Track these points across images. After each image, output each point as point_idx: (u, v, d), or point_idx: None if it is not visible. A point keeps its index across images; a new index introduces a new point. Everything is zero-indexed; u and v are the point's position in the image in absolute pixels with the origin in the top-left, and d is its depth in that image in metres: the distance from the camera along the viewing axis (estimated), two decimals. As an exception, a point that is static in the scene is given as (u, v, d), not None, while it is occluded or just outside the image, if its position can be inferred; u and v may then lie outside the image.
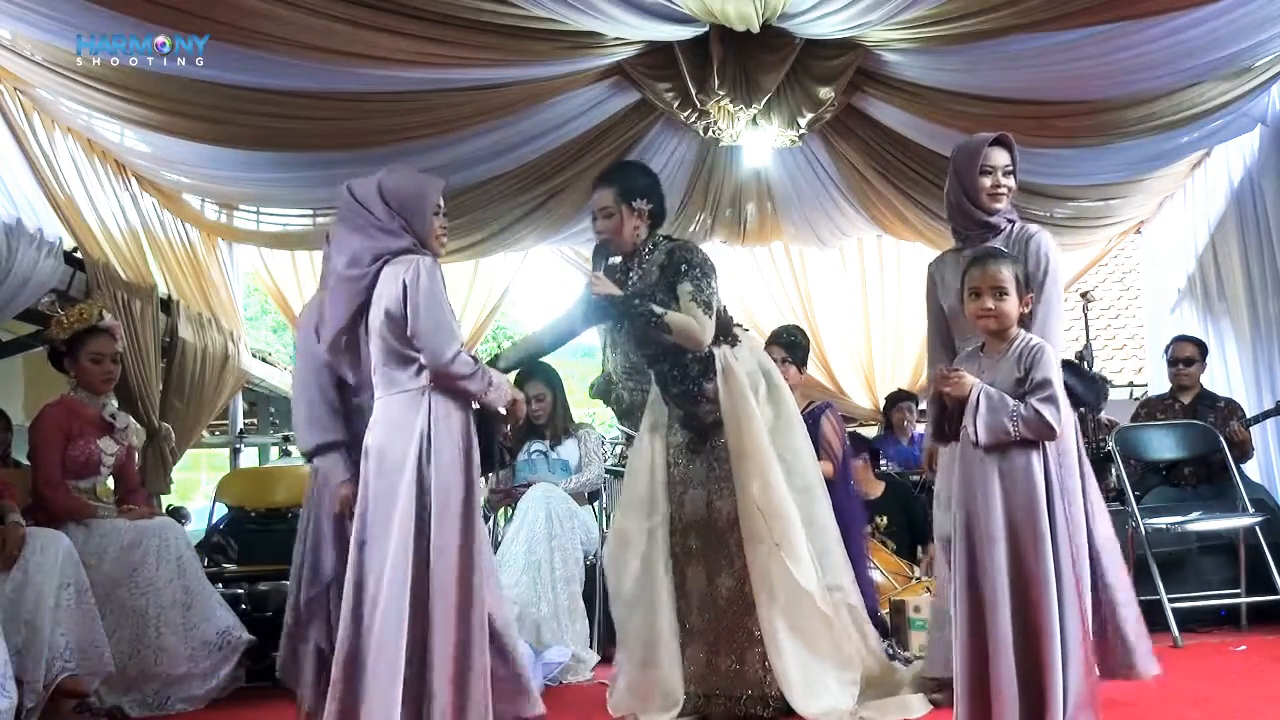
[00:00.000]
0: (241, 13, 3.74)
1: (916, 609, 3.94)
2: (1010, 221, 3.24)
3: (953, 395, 2.69)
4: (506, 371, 3.18)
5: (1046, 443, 2.63)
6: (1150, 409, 5.39)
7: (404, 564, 2.66)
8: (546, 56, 4.50)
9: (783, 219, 6.56)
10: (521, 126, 5.07)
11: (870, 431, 7.10)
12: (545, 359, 4.00)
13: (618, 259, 3.37)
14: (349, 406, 3.13)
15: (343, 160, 5.08)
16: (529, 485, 4.51)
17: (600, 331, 5.14)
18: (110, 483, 4.08)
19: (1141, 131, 5.13)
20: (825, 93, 4.95)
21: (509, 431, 4.40)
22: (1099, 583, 3.08)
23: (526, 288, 12.08)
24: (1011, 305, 2.70)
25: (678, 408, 3.36)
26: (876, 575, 4.40)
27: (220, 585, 4.23)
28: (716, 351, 3.29)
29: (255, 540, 4.94)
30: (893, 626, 4.02)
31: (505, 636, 2.97)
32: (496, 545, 4.33)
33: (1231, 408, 5.18)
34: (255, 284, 7.93)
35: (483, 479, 3.36)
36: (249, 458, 8.59)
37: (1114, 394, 7.63)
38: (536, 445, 4.74)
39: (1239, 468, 4.86)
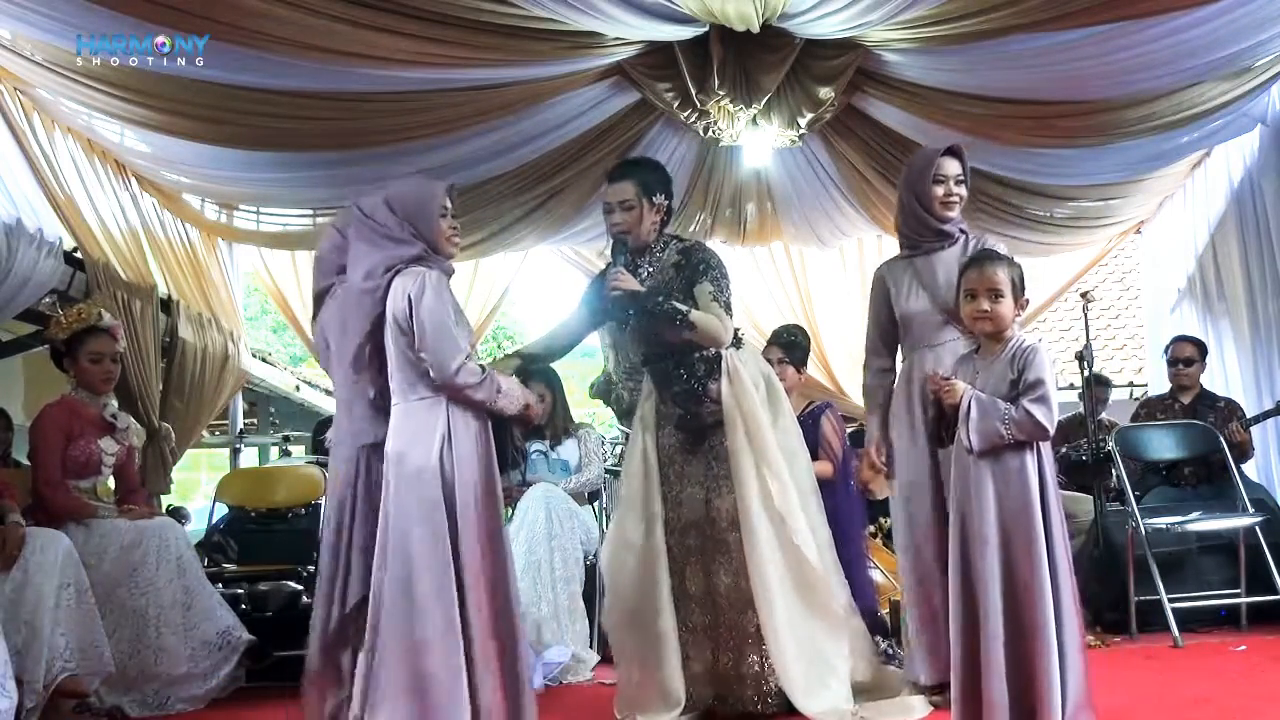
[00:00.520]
0: (241, 13, 3.73)
1: (917, 609, 3.93)
2: (963, 232, 3.31)
3: (947, 403, 2.71)
4: (533, 363, 3.18)
5: (1040, 443, 2.64)
6: (1150, 409, 5.40)
7: (435, 565, 2.69)
8: (546, 56, 4.49)
9: (783, 219, 6.55)
10: (521, 126, 5.07)
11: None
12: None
13: (624, 258, 3.36)
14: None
15: (343, 160, 5.08)
16: (529, 485, 4.52)
17: (601, 331, 5.14)
18: (110, 483, 4.08)
19: (1141, 131, 5.13)
20: (825, 93, 4.94)
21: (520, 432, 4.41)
22: None
23: (526, 288, 12.10)
24: (1007, 308, 2.71)
25: (677, 407, 3.35)
26: (877, 575, 4.40)
27: (220, 585, 4.24)
28: (724, 353, 3.31)
29: (255, 540, 4.95)
30: (893, 627, 4.02)
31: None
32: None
33: (1231, 408, 5.18)
34: (255, 284, 7.92)
35: None
36: (249, 458, 8.60)
37: (1114, 394, 7.63)
38: (536, 445, 4.74)
39: (1239, 468, 4.86)
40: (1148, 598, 4.40)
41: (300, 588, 4.44)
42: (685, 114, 5.07)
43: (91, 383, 3.93)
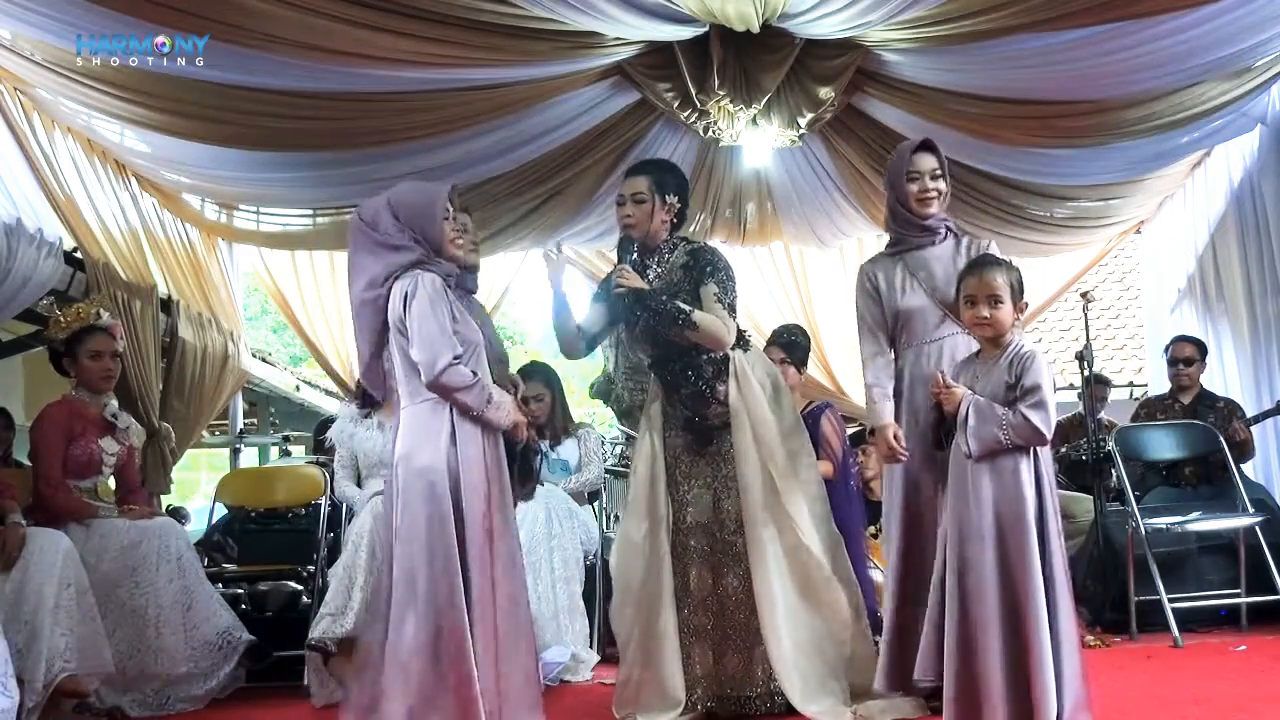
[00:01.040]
0: (241, 13, 3.73)
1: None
2: (950, 230, 3.27)
3: (947, 409, 2.72)
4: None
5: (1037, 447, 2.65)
6: (1150, 409, 5.40)
7: (440, 563, 2.69)
8: (546, 56, 4.49)
9: (783, 219, 6.55)
10: (521, 126, 5.07)
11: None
12: (544, 359, 4.01)
13: (632, 257, 3.36)
14: None
15: (343, 160, 5.09)
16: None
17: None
18: (111, 483, 4.08)
19: (1141, 131, 5.13)
20: (825, 93, 4.94)
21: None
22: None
23: (526, 288, 12.08)
24: (1006, 313, 2.73)
25: (685, 409, 3.35)
26: (877, 575, 4.40)
27: (220, 585, 4.23)
28: (732, 354, 3.31)
29: (255, 540, 4.95)
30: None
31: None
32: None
33: (1231, 408, 5.18)
34: (255, 284, 7.93)
35: None
36: (249, 458, 8.59)
37: (1114, 394, 7.63)
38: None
39: (1239, 467, 4.86)
40: (1148, 598, 4.40)
41: (300, 588, 4.44)
42: (685, 114, 5.07)
43: (91, 381, 3.93)
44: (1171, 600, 4.32)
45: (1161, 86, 4.76)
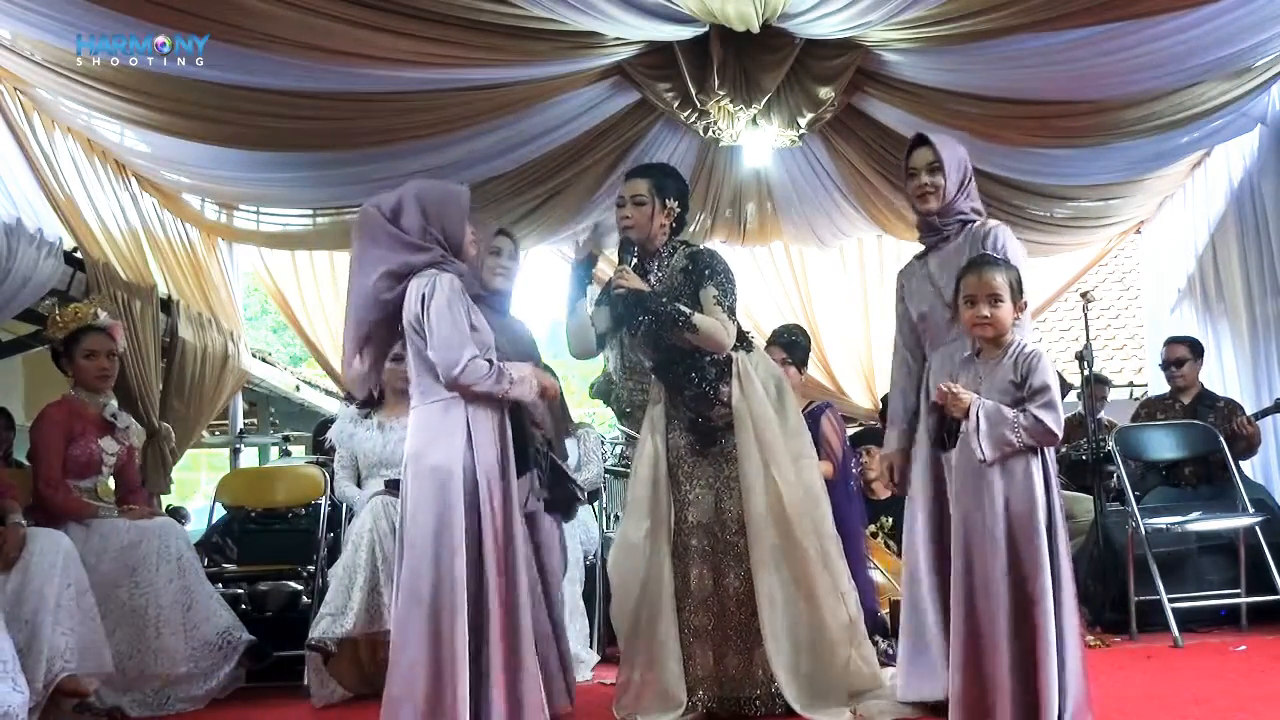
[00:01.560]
0: (241, 13, 3.74)
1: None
2: (963, 223, 3.18)
3: (952, 415, 2.71)
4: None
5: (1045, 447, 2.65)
6: (1150, 409, 5.40)
7: (447, 562, 2.69)
8: (546, 56, 4.49)
9: (783, 219, 6.56)
10: (522, 126, 5.07)
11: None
12: (544, 359, 4.00)
13: (634, 260, 3.36)
14: None
15: (343, 160, 5.09)
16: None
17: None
18: (111, 483, 4.08)
19: (1141, 131, 5.14)
20: (825, 93, 4.95)
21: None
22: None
23: (526, 288, 12.10)
24: (1006, 312, 2.71)
25: (689, 410, 3.36)
26: (877, 575, 4.40)
27: (220, 585, 4.23)
28: (735, 356, 3.32)
29: (255, 540, 4.95)
30: (892, 628, 4.02)
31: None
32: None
33: (1231, 407, 5.17)
34: (255, 284, 7.93)
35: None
36: (249, 458, 8.59)
37: (1114, 394, 7.63)
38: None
39: (1238, 467, 4.86)
40: (1148, 598, 4.40)
41: (300, 588, 4.43)
42: (685, 114, 5.08)
43: (87, 380, 3.92)
44: (1171, 600, 4.32)
45: (1161, 86, 4.77)
